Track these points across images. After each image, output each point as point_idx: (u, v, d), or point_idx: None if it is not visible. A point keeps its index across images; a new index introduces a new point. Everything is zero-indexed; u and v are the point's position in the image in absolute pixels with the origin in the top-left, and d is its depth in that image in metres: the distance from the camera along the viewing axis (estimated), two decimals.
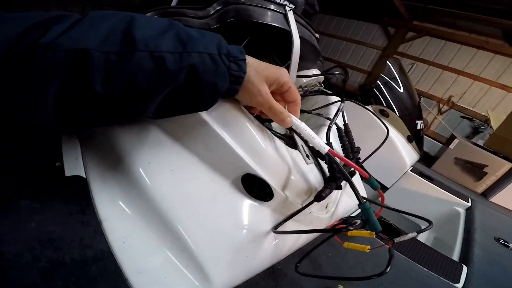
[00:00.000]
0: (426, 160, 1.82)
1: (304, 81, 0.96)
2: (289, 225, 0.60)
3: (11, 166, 0.41)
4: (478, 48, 3.70)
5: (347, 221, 0.74)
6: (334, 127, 0.75)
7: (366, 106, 1.55)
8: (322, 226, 0.69)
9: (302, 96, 0.99)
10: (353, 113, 1.57)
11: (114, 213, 0.42)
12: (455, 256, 0.99)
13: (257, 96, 0.41)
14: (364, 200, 0.46)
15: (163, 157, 0.48)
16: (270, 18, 0.65)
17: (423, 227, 0.50)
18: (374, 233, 0.46)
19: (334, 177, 0.53)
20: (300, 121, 0.49)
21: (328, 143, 0.60)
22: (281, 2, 0.77)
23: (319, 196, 0.52)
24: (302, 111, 0.87)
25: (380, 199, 0.68)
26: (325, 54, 4.63)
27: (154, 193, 0.45)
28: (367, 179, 0.54)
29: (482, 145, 1.74)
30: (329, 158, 0.50)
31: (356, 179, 0.96)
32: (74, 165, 0.45)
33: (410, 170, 1.56)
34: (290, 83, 0.44)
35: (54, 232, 0.36)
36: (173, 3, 0.70)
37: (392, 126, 1.56)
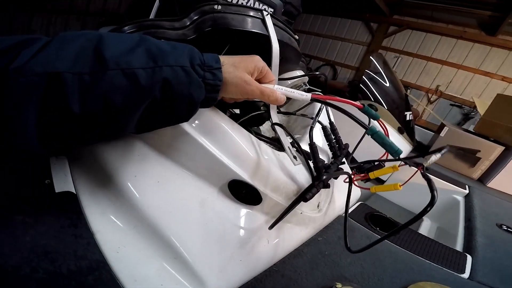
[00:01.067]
0: (419, 149, 1.84)
1: (289, 82, 0.98)
2: (282, 229, 0.61)
3: (1, 184, 0.42)
4: (457, 38, 3.83)
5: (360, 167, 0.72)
6: (319, 127, 0.76)
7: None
8: (316, 226, 0.70)
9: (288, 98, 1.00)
10: (337, 111, 1.58)
11: (106, 225, 0.44)
12: (459, 246, 0.98)
13: (246, 86, 0.42)
14: (369, 125, 0.44)
15: (148, 170, 0.49)
16: (248, 24, 0.66)
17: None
18: (397, 166, 0.46)
19: (321, 176, 0.53)
20: (284, 87, 0.50)
21: (311, 142, 0.61)
22: (260, 7, 0.78)
23: (305, 195, 0.52)
24: (287, 113, 0.87)
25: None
26: (313, 53, 4.70)
27: (142, 205, 0.45)
28: (363, 109, 0.50)
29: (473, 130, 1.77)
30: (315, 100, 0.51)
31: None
32: (63, 181, 0.47)
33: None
34: (266, 66, 0.46)
35: (48, 245, 0.37)
36: (152, 15, 0.71)
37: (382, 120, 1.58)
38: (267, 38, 0.68)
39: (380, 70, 1.66)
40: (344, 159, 0.77)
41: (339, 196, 0.80)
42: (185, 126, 0.49)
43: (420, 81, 4.00)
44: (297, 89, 1.02)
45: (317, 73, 0.94)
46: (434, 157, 0.45)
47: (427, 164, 0.43)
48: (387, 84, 1.67)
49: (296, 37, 0.85)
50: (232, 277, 0.49)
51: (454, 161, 1.69)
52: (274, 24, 0.71)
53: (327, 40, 4.61)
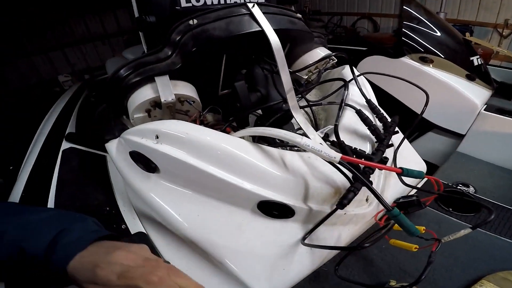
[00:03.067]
0: (503, 91, 1.53)
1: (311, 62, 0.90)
2: (323, 232, 0.58)
3: None
4: None
5: (401, 205, 0.66)
6: (352, 111, 0.68)
7: (402, 58, 1.40)
8: (365, 221, 0.64)
9: (316, 84, 0.93)
10: (390, 68, 1.45)
11: (174, 255, 0.55)
12: None
13: None
14: (392, 207, 0.42)
15: (187, 207, 0.54)
16: (234, 27, 0.62)
17: None
18: (417, 246, 0.46)
19: (357, 177, 0.48)
20: (311, 144, 0.47)
21: (339, 142, 0.55)
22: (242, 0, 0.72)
23: (341, 203, 0.48)
24: (313, 105, 0.81)
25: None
26: (342, 9, 4.32)
27: (193, 236, 0.53)
28: (402, 173, 0.49)
29: None
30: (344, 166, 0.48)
31: (407, 150, 0.84)
32: (134, 224, 0.59)
33: (485, 109, 1.33)
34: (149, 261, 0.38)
35: None
36: (144, 46, 0.73)
37: (442, 70, 1.37)
38: (262, 32, 0.64)
39: (419, 18, 1.44)
40: (392, 138, 0.68)
41: (393, 179, 0.71)
42: (198, 163, 0.51)
43: (481, 17, 3.35)
44: (324, 67, 0.94)
45: (337, 53, 0.86)
46: (453, 236, 0.45)
47: (445, 241, 0.44)
48: (437, 32, 1.44)
49: (299, 15, 0.78)
50: (279, 285, 0.54)
51: None
52: (265, 13, 0.66)
53: None
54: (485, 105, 1.36)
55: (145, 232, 0.57)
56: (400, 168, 0.49)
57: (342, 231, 0.61)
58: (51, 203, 0.60)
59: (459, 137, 1.38)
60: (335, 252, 0.61)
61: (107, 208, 0.60)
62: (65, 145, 0.81)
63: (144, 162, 0.52)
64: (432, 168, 1.31)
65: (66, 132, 0.90)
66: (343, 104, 0.62)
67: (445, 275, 0.52)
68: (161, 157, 0.51)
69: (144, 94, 0.60)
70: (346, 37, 3.53)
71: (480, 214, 0.70)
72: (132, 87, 0.61)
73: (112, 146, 0.58)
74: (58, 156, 0.76)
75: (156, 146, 0.50)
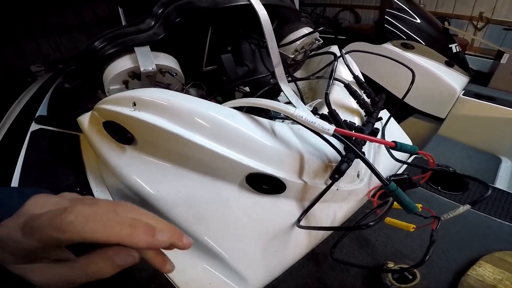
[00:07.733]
0: (479, 78, 1.58)
1: (298, 43, 0.89)
2: (318, 210, 0.56)
3: None
4: None
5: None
6: (341, 86, 0.67)
7: (384, 44, 1.44)
8: (359, 198, 0.63)
9: (303, 60, 0.91)
10: (372, 55, 1.45)
11: None
12: None
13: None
14: (389, 181, 0.40)
15: (167, 183, 0.50)
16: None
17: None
18: (412, 228, 0.43)
19: (351, 148, 0.46)
20: (304, 115, 0.45)
21: (330, 110, 0.53)
22: None
23: (336, 174, 0.46)
24: (300, 79, 0.79)
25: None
26: (325, 0, 4.38)
27: (171, 214, 0.49)
28: (395, 148, 0.47)
29: None
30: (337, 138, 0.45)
31: (394, 127, 0.84)
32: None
33: (463, 94, 1.38)
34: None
35: None
36: (123, 23, 0.69)
37: (423, 57, 1.40)
38: (250, 6, 0.61)
39: (402, 6, 1.48)
40: (380, 114, 0.67)
41: (382, 156, 0.71)
42: (180, 130, 0.47)
43: (458, 10, 3.50)
44: (310, 47, 0.93)
45: (322, 28, 0.84)
46: (453, 213, 0.43)
47: (445, 218, 0.43)
48: (418, 20, 1.48)
49: None
50: (271, 268, 0.51)
51: None
52: None
53: None
54: (463, 91, 1.40)
55: None
56: (394, 141, 0.47)
57: (336, 210, 0.59)
58: (14, 185, 0.55)
59: (439, 121, 1.42)
60: (329, 232, 0.58)
61: (78, 189, 0.55)
62: (34, 126, 0.75)
63: (119, 132, 0.48)
64: None
65: (37, 115, 0.83)
66: (333, 74, 0.60)
67: (442, 256, 0.51)
68: (138, 125, 0.47)
69: (122, 64, 0.56)
70: (331, 27, 3.59)
71: (468, 192, 0.70)
72: (109, 58, 0.56)
73: (85, 119, 0.54)
74: (26, 137, 0.69)
75: (133, 113, 0.46)
